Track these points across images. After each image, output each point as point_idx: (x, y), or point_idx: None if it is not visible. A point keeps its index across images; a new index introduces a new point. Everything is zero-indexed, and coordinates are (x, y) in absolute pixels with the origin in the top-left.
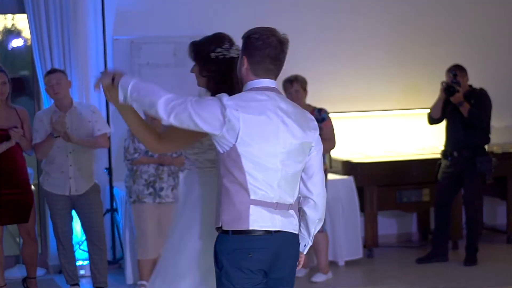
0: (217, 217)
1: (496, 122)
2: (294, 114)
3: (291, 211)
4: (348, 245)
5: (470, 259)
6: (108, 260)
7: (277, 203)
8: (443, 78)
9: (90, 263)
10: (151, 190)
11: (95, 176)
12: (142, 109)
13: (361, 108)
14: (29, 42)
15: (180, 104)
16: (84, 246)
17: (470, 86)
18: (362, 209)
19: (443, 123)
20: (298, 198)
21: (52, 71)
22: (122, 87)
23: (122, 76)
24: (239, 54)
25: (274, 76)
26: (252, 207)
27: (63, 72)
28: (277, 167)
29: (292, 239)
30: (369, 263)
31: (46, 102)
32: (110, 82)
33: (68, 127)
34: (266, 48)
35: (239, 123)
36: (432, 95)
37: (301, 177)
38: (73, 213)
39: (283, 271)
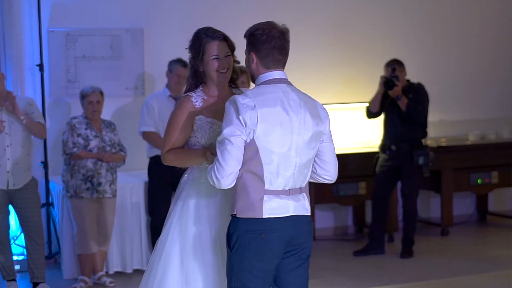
0: (233, 204)
1: (430, 116)
2: (306, 104)
3: (303, 194)
4: None
5: (407, 252)
6: (44, 255)
7: (290, 189)
8: (381, 72)
9: (28, 258)
10: (89, 185)
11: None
12: None
13: None
14: None
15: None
16: (19, 240)
17: (408, 80)
18: None
19: (381, 117)
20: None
21: None
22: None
23: None
24: (246, 52)
25: (283, 67)
26: (266, 197)
27: None
28: (292, 156)
29: (304, 220)
30: None
31: None
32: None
33: (5, 120)
34: (272, 40)
35: (256, 120)
36: (370, 89)
37: (315, 161)
38: (10, 207)
39: (300, 249)
